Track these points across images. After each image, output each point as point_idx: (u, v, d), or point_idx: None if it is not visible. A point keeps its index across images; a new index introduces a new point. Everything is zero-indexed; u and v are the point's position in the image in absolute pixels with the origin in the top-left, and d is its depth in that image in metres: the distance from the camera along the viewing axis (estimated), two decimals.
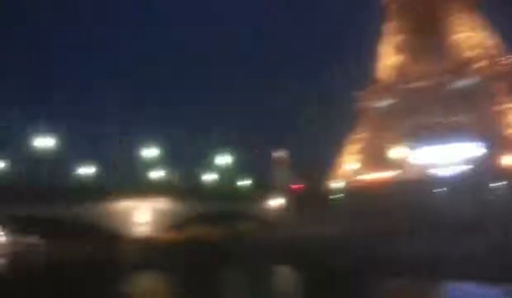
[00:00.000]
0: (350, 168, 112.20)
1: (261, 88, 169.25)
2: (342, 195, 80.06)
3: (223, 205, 57.87)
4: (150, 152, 54.29)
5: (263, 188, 67.69)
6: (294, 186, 70.87)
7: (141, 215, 50.17)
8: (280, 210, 65.99)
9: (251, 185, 68.06)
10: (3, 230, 66.59)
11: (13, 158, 45.74)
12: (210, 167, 63.66)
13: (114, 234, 48.34)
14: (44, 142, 44.38)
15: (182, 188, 58.88)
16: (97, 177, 50.67)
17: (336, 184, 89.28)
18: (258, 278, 36.26)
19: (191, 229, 57.58)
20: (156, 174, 58.00)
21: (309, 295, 28.21)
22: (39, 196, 43.06)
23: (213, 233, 56.66)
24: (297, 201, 66.28)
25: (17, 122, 48.48)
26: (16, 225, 56.61)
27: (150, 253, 46.50)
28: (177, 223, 54.27)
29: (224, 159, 63.48)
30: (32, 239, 65.02)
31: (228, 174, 63.93)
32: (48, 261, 53.66)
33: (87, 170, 51.49)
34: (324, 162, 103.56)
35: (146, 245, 48.48)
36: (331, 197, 76.62)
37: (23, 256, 59.85)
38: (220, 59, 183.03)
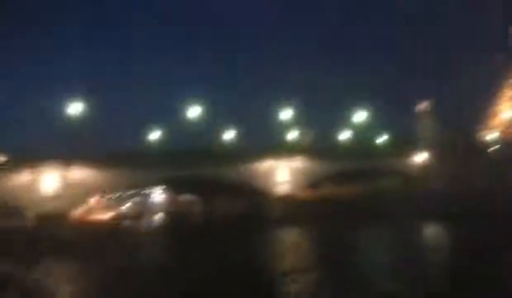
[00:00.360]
0: (507, 116, 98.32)
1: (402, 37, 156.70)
2: (497, 146, 71.59)
3: (361, 162, 56.47)
4: (286, 113, 55.38)
5: (406, 143, 63.81)
6: (439, 139, 65.11)
7: (281, 174, 52.13)
8: (425, 164, 61.76)
9: (391, 140, 64.74)
10: (163, 190, 75.89)
11: (169, 125, 51.72)
12: (347, 124, 62.16)
13: (258, 191, 51.49)
14: (194, 111, 49.42)
15: (318, 146, 59.07)
16: (239, 139, 53.98)
17: (490, 134, 79.50)
18: (401, 234, 34.71)
19: (328, 186, 57.93)
20: (292, 134, 59.16)
21: (456, 251, 25.90)
22: (192, 158, 48.22)
23: (350, 190, 56.09)
24: (444, 154, 61.08)
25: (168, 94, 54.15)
26: (174, 185, 64.05)
27: (291, 209, 48.31)
28: (314, 181, 55.14)
29: (360, 116, 61.16)
30: (188, 197, 73.02)
31: (365, 131, 61.72)
32: (203, 216, 59.83)
33: (230, 134, 55.17)
34: (475, 112, 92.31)
35: (287, 202, 50.48)
36: (484, 148, 68.88)
37: (181, 212, 67.47)
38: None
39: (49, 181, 39.50)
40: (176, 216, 64.47)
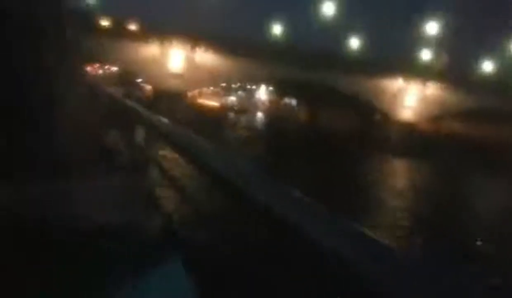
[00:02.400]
0: None
1: None
2: None
3: (506, 101, 47.90)
4: (430, 28, 47.54)
5: None
6: None
7: (406, 97, 46.43)
8: None
9: None
10: (269, 89, 73.94)
11: (296, 20, 47.07)
12: (495, 53, 52.46)
13: (375, 111, 46.90)
14: (328, 8, 44.11)
15: (454, 74, 50.85)
16: (366, 49, 47.97)
17: None
18: None
19: (457, 123, 51.21)
20: (426, 54, 51.63)
21: None
22: (311, 60, 43.80)
23: (484, 132, 48.89)
24: None
25: None
26: (283, 86, 61.03)
27: (409, 140, 43.45)
28: (441, 113, 48.85)
29: None
30: (293, 102, 70.48)
31: None
32: (307, 125, 57.06)
33: (356, 41, 49.20)
34: None
35: (406, 130, 45.44)
36: None
37: (283, 116, 65.33)
38: None
39: (173, 58, 38.48)
40: (277, 119, 62.70)
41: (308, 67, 44.09)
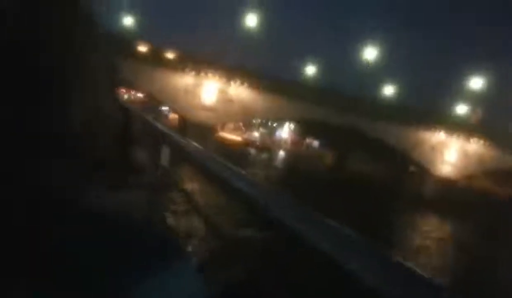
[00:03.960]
0: None
1: None
2: None
3: None
4: (475, 83, 45.63)
5: None
6: None
7: (449, 153, 43.74)
8: None
9: None
10: (292, 127, 71.87)
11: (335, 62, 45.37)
12: None
13: (412, 164, 44.24)
14: (371, 53, 42.35)
15: (493, 131, 48.62)
16: (402, 98, 46.04)
17: None
18: None
19: (493, 182, 48.33)
20: (461, 109, 49.59)
21: None
22: (343, 103, 41.70)
23: None
24: None
25: None
26: (309, 126, 58.80)
27: (449, 196, 40.49)
28: (478, 171, 46.10)
29: None
30: (316, 143, 68.35)
31: None
32: (325, 169, 54.31)
33: (390, 89, 47.51)
34: None
35: (448, 186, 42.46)
36: None
37: (306, 156, 62.82)
38: None
39: (207, 90, 36.47)
40: (300, 160, 60.35)
41: (338, 109, 42.05)
